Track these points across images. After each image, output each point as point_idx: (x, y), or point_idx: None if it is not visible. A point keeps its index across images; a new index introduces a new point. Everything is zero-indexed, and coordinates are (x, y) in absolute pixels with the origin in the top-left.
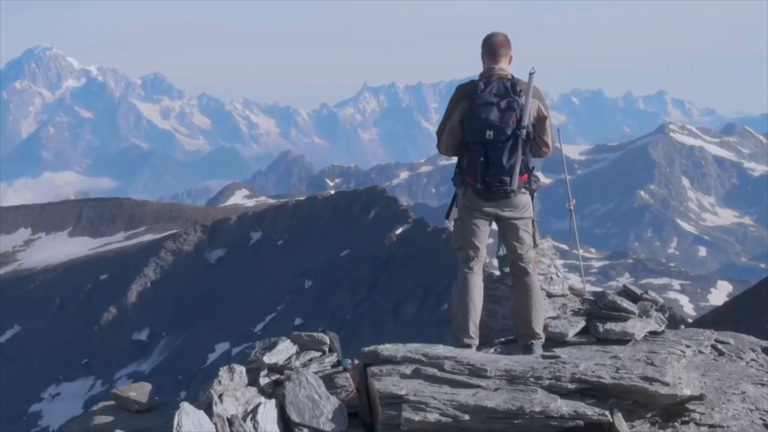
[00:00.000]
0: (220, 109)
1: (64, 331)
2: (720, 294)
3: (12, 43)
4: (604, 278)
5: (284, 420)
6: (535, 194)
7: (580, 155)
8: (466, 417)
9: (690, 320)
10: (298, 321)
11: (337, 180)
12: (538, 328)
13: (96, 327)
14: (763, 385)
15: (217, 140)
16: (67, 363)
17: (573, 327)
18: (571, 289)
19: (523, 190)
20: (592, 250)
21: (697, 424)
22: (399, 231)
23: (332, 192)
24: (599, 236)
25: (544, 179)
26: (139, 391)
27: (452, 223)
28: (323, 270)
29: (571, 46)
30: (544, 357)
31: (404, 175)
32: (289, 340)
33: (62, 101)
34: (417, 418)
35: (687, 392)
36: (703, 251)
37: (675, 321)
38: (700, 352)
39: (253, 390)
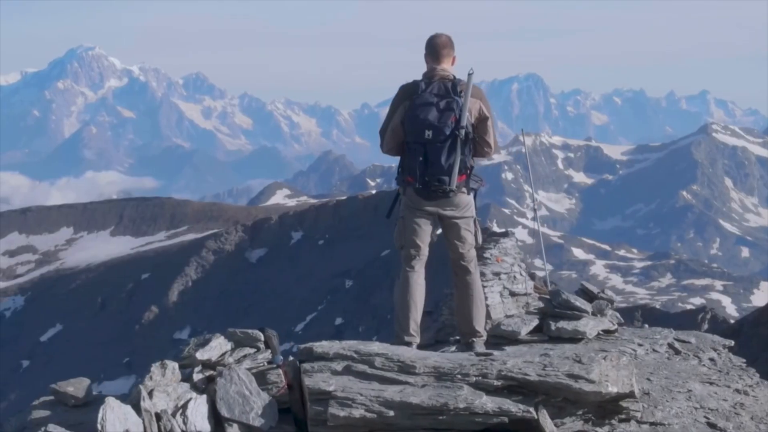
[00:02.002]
0: (262, 109)
1: (105, 330)
2: (763, 295)
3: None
4: (646, 279)
5: (215, 416)
6: (478, 194)
7: (622, 155)
8: (391, 413)
9: (732, 321)
10: (338, 321)
11: (378, 180)
12: (479, 326)
13: (137, 326)
14: (711, 383)
15: (258, 140)
16: (108, 362)
17: (526, 325)
18: (535, 288)
19: (463, 189)
20: (634, 250)
21: (639, 422)
22: (439, 230)
23: (373, 192)
24: (641, 237)
25: (585, 179)
26: (77, 386)
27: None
28: (364, 270)
29: (613, 45)
30: (477, 354)
31: None
32: (223, 337)
33: (104, 101)
34: (342, 413)
35: (613, 390)
36: (745, 252)
37: (717, 322)
38: (654, 350)
39: (186, 386)
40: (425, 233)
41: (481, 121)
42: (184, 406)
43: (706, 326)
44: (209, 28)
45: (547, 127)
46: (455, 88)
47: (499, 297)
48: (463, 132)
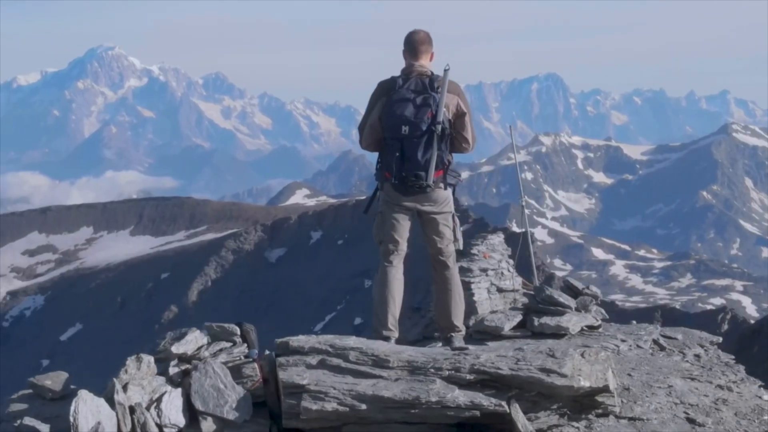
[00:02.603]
0: (281, 109)
1: (125, 330)
2: None
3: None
4: (666, 279)
5: (190, 409)
6: (456, 189)
7: (642, 155)
8: (364, 406)
9: (752, 321)
10: (358, 320)
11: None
12: (458, 321)
13: (157, 326)
14: (693, 379)
15: (278, 140)
16: None
17: (509, 321)
18: (523, 284)
19: (440, 185)
20: (654, 250)
21: (617, 417)
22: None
23: None
24: (661, 237)
25: (605, 179)
26: (55, 380)
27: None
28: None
29: (633, 45)
30: (453, 349)
31: (465, 174)
32: (198, 331)
33: (124, 101)
34: (315, 407)
35: (586, 384)
36: (766, 252)
37: (737, 323)
38: (637, 346)
39: (161, 379)
40: (403, 228)
41: (459, 116)
42: (159, 400)
43: (726, 327)
44: (229, 28)
45: (566, 127)
46: (432, 84)
47: (486, 293)
48: (439, 127)
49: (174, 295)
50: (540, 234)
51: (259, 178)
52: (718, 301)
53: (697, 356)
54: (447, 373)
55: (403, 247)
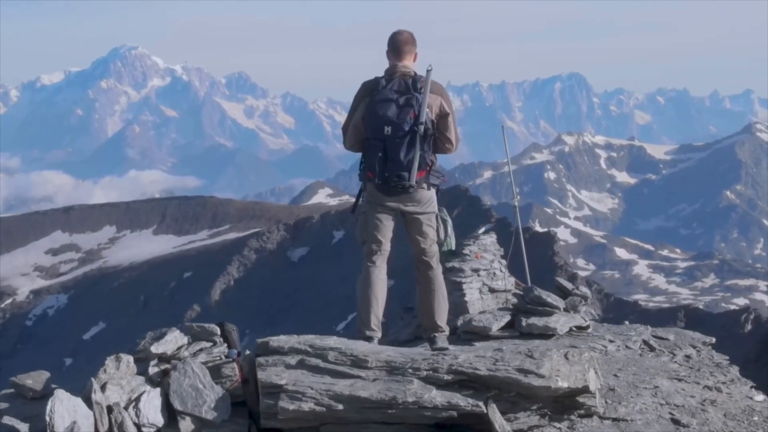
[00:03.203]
0: (304, 108)
1: (148, 329)
2: None
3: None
4: (690, 279)
5: (169, 409)
6: (440, 190)
7: (665, 155)
8: (341, 407)
9: None
10: (381, 320)
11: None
12: (441, 322)
13: (180, 325)
14: (680, 380)
15: (300, 139)
16: None
17: (497, 321)
18: (516, 284)
19: (424, 185)
20: (678, 250)
21: (601, 418)
22: (482, 230)
23: None
24: (684, 237)
25: (628, 179)
26: (36, 379)
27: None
28: (406, 269)
29: (656, 44)
30: (433, 350)
31: (488, 174)
32: (178, 331)
33: (147, 100)
34: (292, 407)
35: (564, 385)
36: None
37: (760, 323)
38: (626, 347)
39: (140, 379)
40: (387, 228)
41: (442, 117)
42: (137, 399)
43: (749, 327)
44: (252, 28)
45: (590, 127)
46: (415, 85)
47: (478, 293)
48: (422, 128)
49: (197, 294)
50: (563, 233)
51: (281, 177)
52: (741, 302)
53: (688, 357)
54: (425, 373)
55: (387, 247)
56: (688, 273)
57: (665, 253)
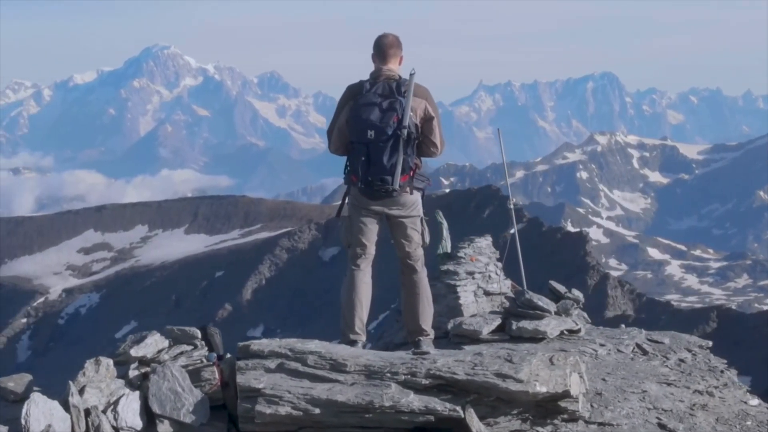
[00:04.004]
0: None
1: None
2: None
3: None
4: (722, 279)
5: (148, 412)
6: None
7: (698, 155)
8: (317, 411)
9: None
10: None
11: (452, 179)
12: (426, 325)
13: (211, 324)
14: (669, 384)
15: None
16: None
17: (488, 325)
18: (513, 287)
19: (407, 189)
20: (710, 250)
21: (587, 422)
22: (513, 230)
23: (447, 191)
24: (717, 237)
25: (661, 179)
26: (18, 382)
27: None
28: (437, 267)
29: (690, 44)
30: (414, 353)
31: (520, 174)
32: (159, 334)
33: (180, 99)
34: (269, 411)
35: (542, 390)
36: None
37: None
38: (618, 350)
39: (120, 382)
40: (371, 232)
41: (427, 120)
42: (116, 402)
43: None
44: (284, 27)
45: (622, 126)
46: (399, 88)
47: (473, 296)
48: (405, 132)
49: (228, 293)
50: (595, 233)
51: (313, 176)
52: None
53: (682, 360)
54: (403, 377)
55: (371, 251)
56: (720, 273)
57: (698, 253)
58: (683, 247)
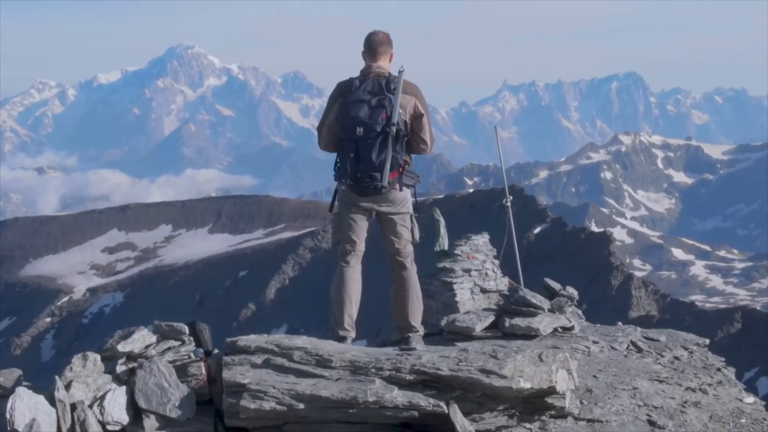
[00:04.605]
0: None
1: None
2: None
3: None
4: (747, 280)
5: (134, 407)
6: (415, 190)
7: (722, 155)
8: (302, 406)
9: None
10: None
11: (475, 178)
12: (415, 322)
13: (235, 323)
14: (661, 381)
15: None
16: None
17: (481, 322)
18: (510, 284)
19: (397, 186)
20: (735, 251)
21: (576, 419)
22: (537, 230)
23: (470, 190)
24: (742, 237)
25: (685, 179)
26: (6, 377)
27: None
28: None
29: (714, 44)
30: (401, 349)
31: (543, 174)
32: (146, 330)
33: (204, 99)
34: (253, 406)
35: (526, 386)
36: None
37: None
38: (611, 348)
39: (107, 377)
40: (361, 229)
41: (417, 117)
42: (103, 397)
43: None
44: (307, 27)
45: (646, 126)
46: (389, 86)
47: (469, 293)
48: (394, 129)
49: (252, 293)
50: (619, 234)
51: None
52: None
53: (677, 358)
54: (388, 373)
55: (361, 247)
56: (745, 274)
57: (722, 253)
58: (708, 248)
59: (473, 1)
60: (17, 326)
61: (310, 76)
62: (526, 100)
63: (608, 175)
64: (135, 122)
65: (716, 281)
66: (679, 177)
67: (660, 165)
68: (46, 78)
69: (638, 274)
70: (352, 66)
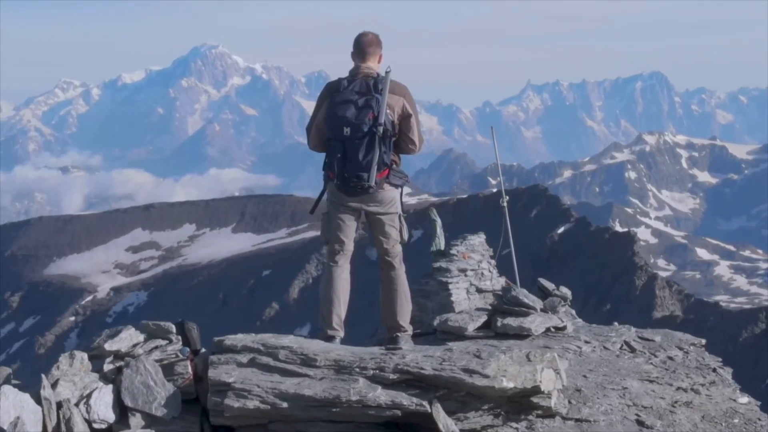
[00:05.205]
0: None
1: (226, 326)
2: None
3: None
4: None
5: (121, 405)
6: (403, 190)
7: (747, 155)
8: (285, 405)
9: None
10: None
11: (499, 178)
12: (404, 321)
13: (258, 322)
14: (651, 381)
15: None
16: None
17: (473, 321)
18: (507, 284)
19: (386, 186)
20: (760, 251)
21: (564, 418)
22: (561, 230)
23: (494, 190)
24: (767, 237)
25: (709, 179)
26: None
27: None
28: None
29: (739, 43)
30: (387, 349)
31: (567, 173)
32: (133, 329)
33: (227, 99)
34: (237, 404)
35: (509, 385)
36: None
37: None
38: (604, 347)
39: (94, 376)
40: (349, 228)
41: (405, 118)
42: (89, 396)
43: None
44: (331, 27)
45: (671, 126)
46: (377, 86)
47: (465, 293)
48: (381, 129)
49: (275, 292)
50: (643, 234)
51: None
52: None
53: (670, 358)
54: (371, 372)
55: (350, 247)
56: None
57: (747, 253)
58: (732, 248)
59: (499, 1)
60: (41, 325)
61: (335, 75)
62: (550, 99)
63: (632, 174)
64: (159, 122)
65: (741, 281)
66: (704, 177)
67: (684, 165)
68: (71, 77)
69: (662, 274)
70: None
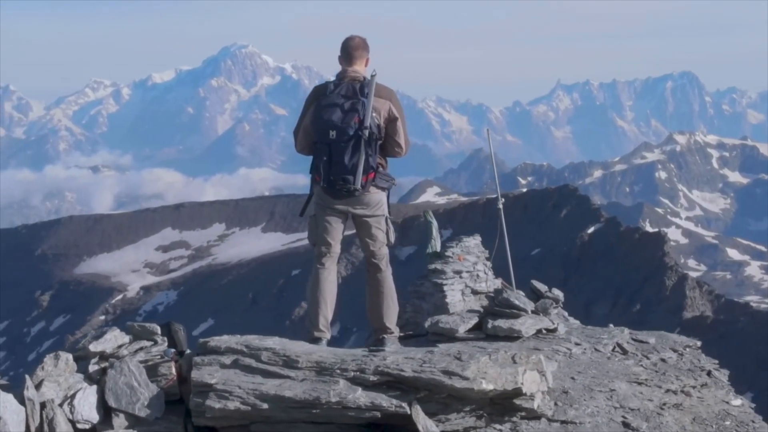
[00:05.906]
0: (413, 107)
1: (256, 325)
2: None
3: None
4: None
5: (105, 406)
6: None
7: None
8: (265, 406)
9: None
10: None
11: (529, 178)
12: (390, 323)
13: (288, 322)
14: (640, 383)
15: (409, 138)
16: None
17: (464, 323)
18: (503, 285)
19: (372, 188)
20: None
21: (549, 420)
22: (591, 230)
23: (524, 190)
24: None
25: (740, 179)
26: None
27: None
28: (513, 268)
29: None
30: (369, 350)
31: (598, 173)
32: (118, 330)
33: (257, 98)
34: (218, 405)
35: (489, 387)
36: None
37: None
38: (595, 350)
39: (79, 376)
40: (336, 231)
41: (391, 121)
42: (73, 396)
43: None
44: (360, 27)
45: (702, 126)
46: (363, 89)
47: (460, 295)
48: (366, 132)
49: (305, 291)
50: (674, 234)
51: None
52: None
53: (663, 360)
54: (352, 374)
55: (336, 249)
56: None
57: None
58: (763, 248)
59: (529, 1)
60: (71, 324)
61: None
62: (580, 99)
63: (663, 174)
64: (189, 121)
65: (758, 283)
66: (735, 177)
67: (715, 165)
68: (101, 77)
69: (693, 274)
70: (404, 65)
